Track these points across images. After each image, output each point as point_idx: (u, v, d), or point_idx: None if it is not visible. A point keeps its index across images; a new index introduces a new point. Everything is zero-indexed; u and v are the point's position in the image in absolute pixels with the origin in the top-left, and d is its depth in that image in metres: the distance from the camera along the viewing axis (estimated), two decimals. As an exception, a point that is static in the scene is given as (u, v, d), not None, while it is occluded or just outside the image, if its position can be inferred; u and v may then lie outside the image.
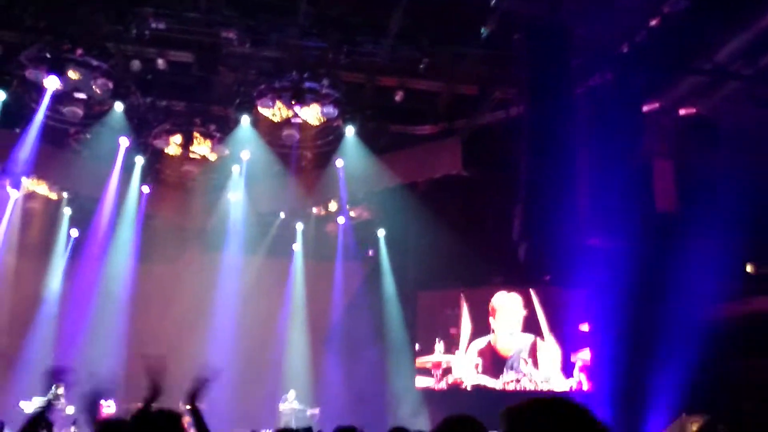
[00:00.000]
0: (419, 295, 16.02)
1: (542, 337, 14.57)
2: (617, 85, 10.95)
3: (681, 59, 11.28)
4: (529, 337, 14.66)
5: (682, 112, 11.96)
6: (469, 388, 14.76)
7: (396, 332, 15.73)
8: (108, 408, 13.11)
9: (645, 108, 11.38)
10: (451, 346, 15.17)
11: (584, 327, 14.30)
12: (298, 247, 17.09)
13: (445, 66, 12.33)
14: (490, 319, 15.03)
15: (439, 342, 15.25)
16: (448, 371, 15.07)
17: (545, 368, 14.42)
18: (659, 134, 11.94)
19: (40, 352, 14.73)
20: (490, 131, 13.83)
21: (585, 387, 14.07)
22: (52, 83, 11.98)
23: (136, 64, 12.26)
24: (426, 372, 15.25)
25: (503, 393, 14.31)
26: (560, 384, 14.24)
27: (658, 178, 11.90)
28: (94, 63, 12.01)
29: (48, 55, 11.70)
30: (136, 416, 3.10)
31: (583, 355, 14.20)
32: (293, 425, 12.33)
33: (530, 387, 14.33)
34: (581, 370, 14.19)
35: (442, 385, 15.02)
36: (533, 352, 14.56)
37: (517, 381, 14.48)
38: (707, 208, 10.97)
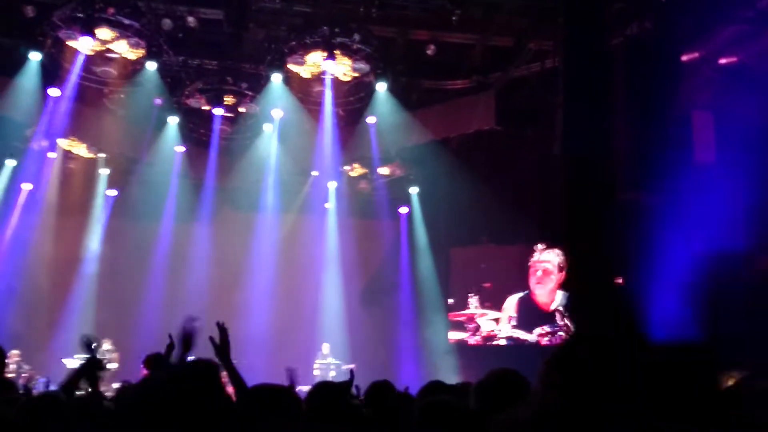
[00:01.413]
0: (452, 251, 16.05)
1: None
2: (656, 34, 10.66)
3: (722, 7, 10.93)
4: (565, 292, 14.64)
5: (722, 61, 11.62)
6: (503, 342, 14.85)
7: (429, 288, 15.80)
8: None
9: (684, 58, 11.08)
10: (485, 301, 15.24)
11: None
12: (331, 205, 17.12)
13: (478, 18, 12.11)
14: (529, 274, 15.03)
15: (472, 296, 15.34)
16: (481, 325, 15.18)
17: (581, 322, 14.43)
18: (699, 85, 11.64)
19: (81, 310, 15.10)
20: (524, 85, 13.61)
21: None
22: (85, 43, 12.05)
23: (167, 23, 12.27)
24: (459, 326, 15.38)
25: (537, 347, 14.36)
26: (595, 338, 14.21)
27: (698, 130, 11.63)
28: (126, 22, 12.04)
29: (80, 15, 11.75)
30: (171, 369, 2.99)
31: (619, 309, 14.14)
32: (330, 380, 12.52)
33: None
34: (617, 324, 14.14)
35: (477, 338, 15.15)
36: (569, 306, 14.55)
37: (552, 334, 14.51)
38: (747, 160, 10.72)
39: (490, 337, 15.06)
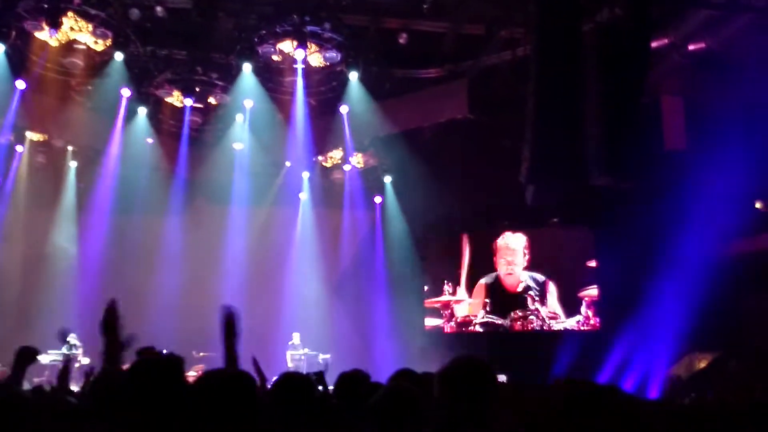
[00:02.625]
0: (427, 240, 16.11)
1: (549, 275, 14.69)
2: (626, 20, 10.68)
3: (692, -8, 10.99)
4: (536, 276, 14.79)
5: (691, 47, 11.70)
6: (478, 327, 14.97)
7: (404, 276, 15.82)
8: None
9: (654, 44, 11.13)
10: (459, 287, 15.38)
11: (591, 264, 14.38)
12: (304, 195, 17.04)
13: (449, 5, 12.06)
14: (496, 258, 15.19)
15: (447, 284, 15.45)
16: (456, 311, 15.30)
17: (552, 305, 14.59)
18: (668, 71, 11.72)
19: (53, 304, 14.86)
20: (496, 73, 13.61)
21: (592, 323, 14.20)
22: (50, 34, 11.80)
23: (134, 13, 12.05)
24: (435, 312, 15.50)
25: (510, 333, 14.53)
26: (567, 321, 14.39)
27: (667, 116, 11.73)
28: (92, 12, 11.81)
29: (45, 6, 11.51)
30: (132, 366, 2.83)
31: (591, 292, 14.31)
32: (304, 370, 12.42)
33: (537, 323, 14.52)
34: (588, 306, 14.30)
35: (452, 324, 15.27)
36: (540, 290, 14.70)
37: (525, 318, 14.64)
38: (717, 146, 10.84)
39: (466, 323, 15.16)
